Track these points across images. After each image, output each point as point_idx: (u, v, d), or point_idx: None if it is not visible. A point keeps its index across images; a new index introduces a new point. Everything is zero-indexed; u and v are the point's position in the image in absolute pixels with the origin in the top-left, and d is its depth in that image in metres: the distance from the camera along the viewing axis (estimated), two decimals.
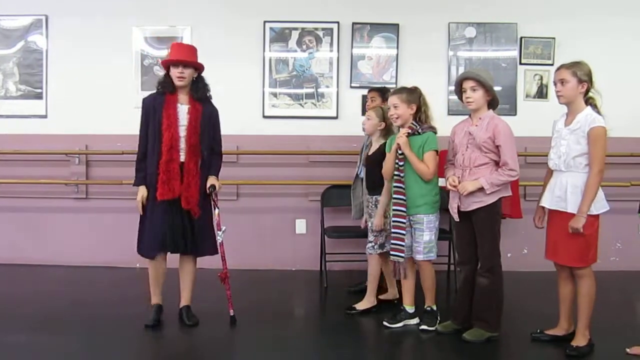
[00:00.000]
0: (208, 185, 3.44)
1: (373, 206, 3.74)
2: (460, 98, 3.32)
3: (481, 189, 3.15)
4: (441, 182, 3.51)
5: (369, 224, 3.77)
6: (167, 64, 3.39)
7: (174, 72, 3.32)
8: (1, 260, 5.00)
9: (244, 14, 5.00)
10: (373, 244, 3.74)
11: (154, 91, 3.44)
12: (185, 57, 3.33)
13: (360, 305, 3.77)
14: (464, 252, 3.37)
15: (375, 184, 3.71)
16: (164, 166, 3.26)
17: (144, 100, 3.44)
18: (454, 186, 3.22)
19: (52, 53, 5.07)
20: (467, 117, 3.35)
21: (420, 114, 3.43)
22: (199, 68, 3.43)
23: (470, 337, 3.19)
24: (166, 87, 3.35)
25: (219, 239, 3.45)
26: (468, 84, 3.21)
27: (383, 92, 4.21)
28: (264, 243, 4.90)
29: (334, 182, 4.75)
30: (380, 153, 3.65)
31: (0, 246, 5.04)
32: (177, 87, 3.36)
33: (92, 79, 5.01)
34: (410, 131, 3.38)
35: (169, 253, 3.50)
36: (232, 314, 3.52)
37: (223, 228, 3.45)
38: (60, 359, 3.01)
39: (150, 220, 3.37)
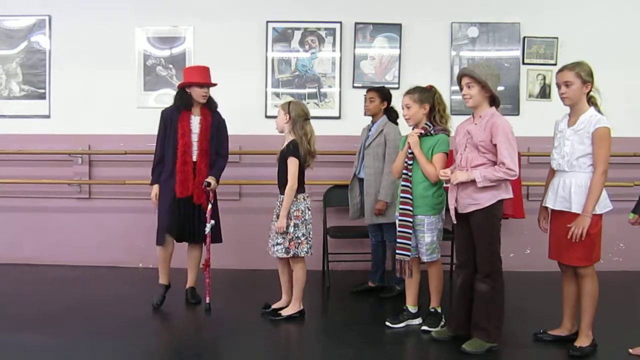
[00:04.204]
0: (208, 181, 3.78)
1: (279, 205, 3.61)
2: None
3: (479, 187, 3.01)
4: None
5: (273, 225, 3.60)
6: (188, 83, 3.83)
7: (200, 92, 3.83)
8: (4, 260, 5.01)
9: (247, 14, 5.00)
10: (282, 246, 3.54)
11: (172, 104, 3.89)
12: (210, 81, 3.89)
13: (286, 311, 3.62)
14: (461, 255, 3.26)
15: (281, 182, 3.60)
16: (181, 168, 3.75)
17: (163, 112, 3.91)
18: (447, 178, 3.13)
19: (55, 53, 5.08)
20: (470, 116, 3.26)
21: (434, 114, 3.39)
22: (212, 85, 3.93)
23: (469, 348, 3.04)
24: (187, 106, 3.84)
25: (206, 231, 3.73)
26: (464, 81, 3.11)
27: (382, 92, 4.17)
28: (266, 243, 4.88)
29: (337, 182, 4.75)
30: (284, 152, 3.57)
31: (3, 246, 5.06)
32: (195, 103, 3.85)
33: (95, 79, 5.02)
34: (422, 131, 3.36)
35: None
36: (207, 301, 3.75)
37: (212, 222, 3.74)
38: (61, 358, 3.01)
39: (160, 213, 3.83)
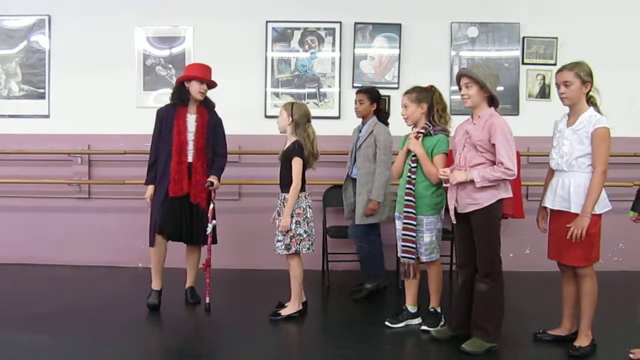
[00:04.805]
0: (211, 180, 3.78)
1: (282, 204, 3.64)
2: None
3: (478, 187, 3.02)
4: None
5: (277, 222, 3.63)
6: (187, 79, 3.80)
7: (198, 88, 3.79)
8: (4, 260, 5.01)
9: (246, 14, 5.00)
10: (281, 243, 3.59)
11: (168, 103, 3.87)
12: (211, 78, 3.87)
13: (285, 311, 3.63)
14: (462, 255, 3.26)
15: (283, 181, 3.63)
16: (175, 167, 3.70)
17: (159, 111, 3.87)
18: (446, 177, 3.14)
19: (54, 53, 5.08)
20: (469, 116, 3.27)
21: (433, 114, 3.39)
22: (212, 85, 3.91)
23: (469, 348, 3.05)
24: (184, 101, 3.79)
25: (208, 231, 3.72)
26: (463, 81, 3.12)
27: (371, 93, 4.15)
28: (265, 243, 4.86)
29: (336, 182, 4.74)
30: (289, 151, 3.59)
31: (3, 245, 5.05)
32: (192, 100, 3.81)
33: (95, 79, 5.02)
34: (423, 131, 3.36)
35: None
36: (207, 301, 3.74)
37: (213, 222, 3.75)
38: (61, 358, 3.01)
39: (152, 214, 3.80)
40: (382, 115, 4.18)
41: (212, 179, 3.79)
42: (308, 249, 3.61)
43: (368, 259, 4.18)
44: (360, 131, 4.21)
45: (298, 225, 3.56)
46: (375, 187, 3.98)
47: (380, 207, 4.01)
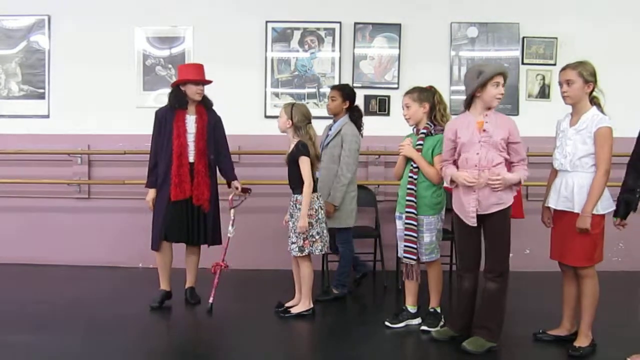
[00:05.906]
0: (236, 186, 3.97)
1: (293, 205, 3.63)
2: (475, 90, 3.06)
3: (506, 187, 3.05)
4: None
5: (290, 224, 3.64)
6: (182, 82, 3.78)
7: (195, 89, 3.77)
8: (3, 260, 5.00)
9: (246, 14, 5.00)
10: (296, 245, 3.59)
11: (166, 104, 3.84)
12: (204, 76, 3.84)
13: (296, 309, 3.66)
14: (470, 259, 3.20)
15: (294, 183, 3.62)
16: (176, 170, 3.69)
17: (157, 113, 3.85)
18: (473, 183, 3.02)
19: (54, 53, 5.08)
20: (462, 114, 3.20)
21: (435, 113, 3.40)
22: (207, 83, 3.88)
23: (470, 347, 3.03)
24: (182, 104, 3.76)
25: (230, 235, 3.84)
26: (502, 80, 3.05)
27: (344, 91, 4.10)
28: (265, 243, 4.88)
29: None
30: (294, 153, 3.58)
31: (3, 246, 5.05)
32: (190, 101, 3.79)
33: (94, 79, 5.02)
34: (425, 131, 3.37)
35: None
36: (211, 301, 3.72)
37: (234, 226, 3.85)
38: (61, 359, 3.01)
39: (156, 217, 3.79)
40: (355, 114, 4.10)
41: (237, 184, 3.95)
42: (321, 250, 3.63)
43: (343, 265, 4.10)
44: (330, 129, 4.15)
45: (311, 227, 3.56)
46: (334, 190, 3.92)
47: (343, 211, 3.95)
